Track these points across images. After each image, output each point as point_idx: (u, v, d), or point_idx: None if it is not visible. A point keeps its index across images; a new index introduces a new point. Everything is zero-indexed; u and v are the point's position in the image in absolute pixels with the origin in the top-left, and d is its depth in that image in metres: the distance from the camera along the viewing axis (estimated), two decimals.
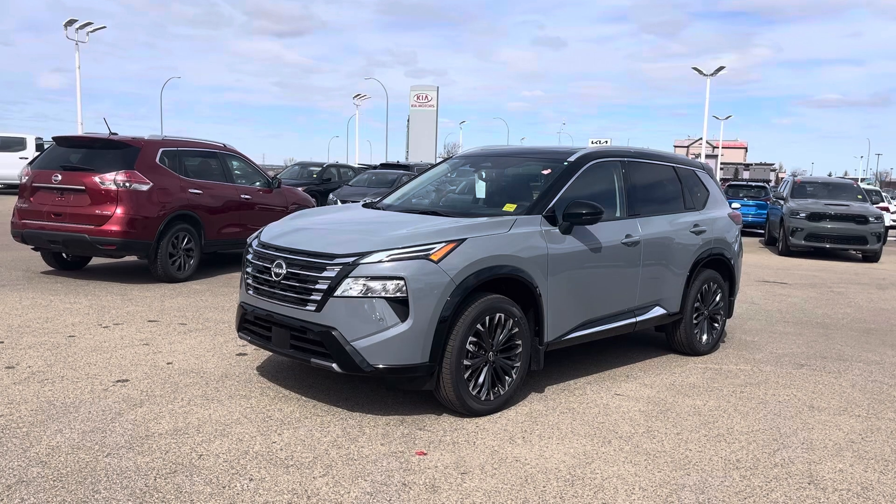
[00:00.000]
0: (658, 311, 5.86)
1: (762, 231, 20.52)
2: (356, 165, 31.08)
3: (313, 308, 4.28)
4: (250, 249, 4.90)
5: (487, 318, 4.45)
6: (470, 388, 4.41)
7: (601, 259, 5.26)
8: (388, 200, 5.88)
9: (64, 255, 9.21)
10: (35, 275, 8.79)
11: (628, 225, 5.56)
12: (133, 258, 9.72)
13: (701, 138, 45.24)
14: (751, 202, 22.01)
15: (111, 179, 8.22)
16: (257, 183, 10.49)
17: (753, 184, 25.80)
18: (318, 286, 4.28)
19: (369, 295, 4.17)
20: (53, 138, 9.08)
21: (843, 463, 4.06)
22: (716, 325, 6.48)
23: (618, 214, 5.59)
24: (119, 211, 8.20)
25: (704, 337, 6.34)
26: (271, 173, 11.65)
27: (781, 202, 17.16)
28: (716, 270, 6.44)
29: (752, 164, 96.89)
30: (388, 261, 4.20)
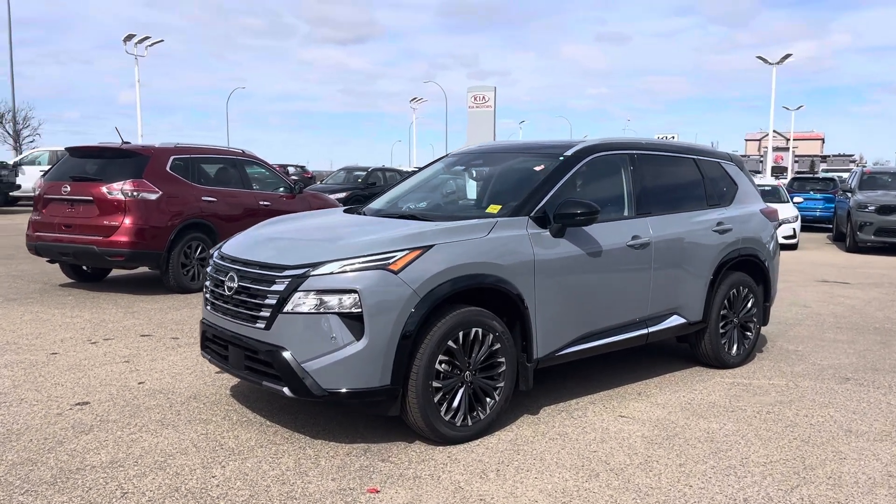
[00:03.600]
0: (676, 321, 5.24)
1: (831, 226, 19.24)
2: (411, 169, 30.88)
3: (262, 325, 3.87)
4: (210, 262, 4.54)
5: (461, 333, 3.96)
6: (441, 413, 3.92)
7: (602, 264, 4.69)
8: (374, 205, 5.43)
9: (84, 266, 9.12)
10: (51, 287, 8.71)
11: (636, 225, 4.96)
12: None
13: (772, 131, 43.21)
14: (818, 195, 20.68)
15: (118, 189, 8.05)
16: (280, 189, 10.25)
17: (821, 176, 24.30)
18: (266, 301, 3.87)
19: (322, 310, 3.73)
20: (66, 149, 9.01)
21: (874, 503, 3.41)
22: (748, 334, 5.80)
23: (625, 213, 5.01)
24: (127, 221, 8.02)
25: (734, 348, 5.67)
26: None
27: (849, 195, 15.98)
28: (747, 273, 5.75)
29: (829, 156, 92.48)
30: (339, 272, 3.76)
